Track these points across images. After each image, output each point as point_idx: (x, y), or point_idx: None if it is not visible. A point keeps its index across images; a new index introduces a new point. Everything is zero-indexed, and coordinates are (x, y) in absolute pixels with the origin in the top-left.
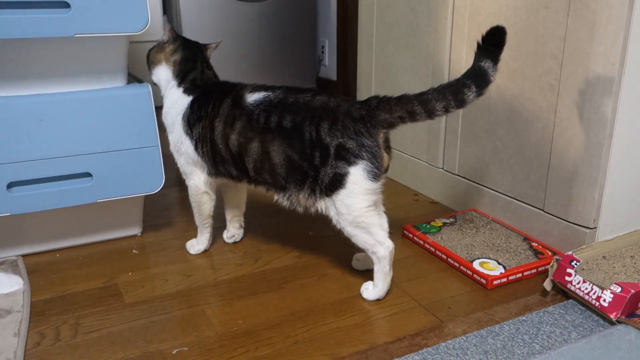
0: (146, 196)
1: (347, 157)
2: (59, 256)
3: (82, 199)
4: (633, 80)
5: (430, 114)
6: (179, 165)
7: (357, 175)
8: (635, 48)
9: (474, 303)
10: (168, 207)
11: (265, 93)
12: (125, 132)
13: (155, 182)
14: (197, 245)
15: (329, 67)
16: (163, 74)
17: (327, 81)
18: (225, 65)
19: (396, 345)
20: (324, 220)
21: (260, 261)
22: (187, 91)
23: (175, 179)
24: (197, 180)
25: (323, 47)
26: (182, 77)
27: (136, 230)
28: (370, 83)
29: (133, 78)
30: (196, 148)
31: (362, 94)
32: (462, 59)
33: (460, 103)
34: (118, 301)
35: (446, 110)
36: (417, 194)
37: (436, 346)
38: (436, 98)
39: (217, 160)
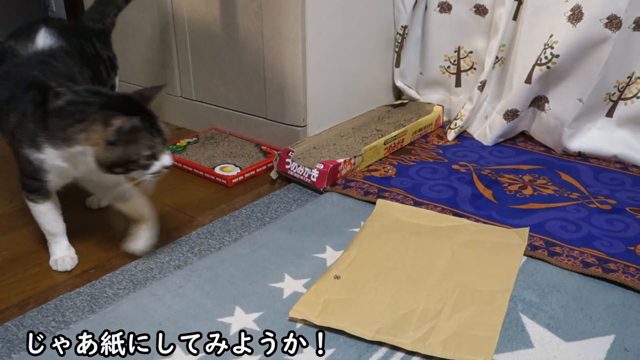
0: None
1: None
2: None
3: None
4: (313, 2)
5: None
6: None
7: None
8: None
9: (218, 199)
10: None
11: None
12: None
13: None
14: None
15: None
16: None
17: None
18: None
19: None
20: None
21: (15, 201)
22: None
23: None
24: None
25: None
26: None
27: None
28: None
29: None
30: None
31: None
32: None
33: None
34: None
35: None
36: (166, 124)
37: (188, 235)
38: None
39: None
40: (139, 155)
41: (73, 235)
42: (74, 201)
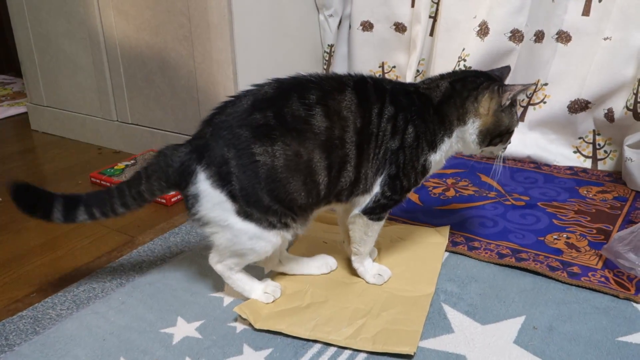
0: None
1: None
2: None
3: None
4: (241, 26)
5: None
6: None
7: None
8: (237, 1)
9: (158, 218)
10: None
11: None
12: None
13: None
14: None
15: None
16: None
17: None
18: None
19: (96, 262)
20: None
21: None
22: None
23: None
24: None
25: None
26: None
27: None
28: (32, 53)
29: None
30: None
31: (27, 66)
32: (112, 22)
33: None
34: None
35: None
36: (101, 148)
37: (129, 254)
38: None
39: None
40: (514, 126)
41: (11, 261)
42: (9, 227)
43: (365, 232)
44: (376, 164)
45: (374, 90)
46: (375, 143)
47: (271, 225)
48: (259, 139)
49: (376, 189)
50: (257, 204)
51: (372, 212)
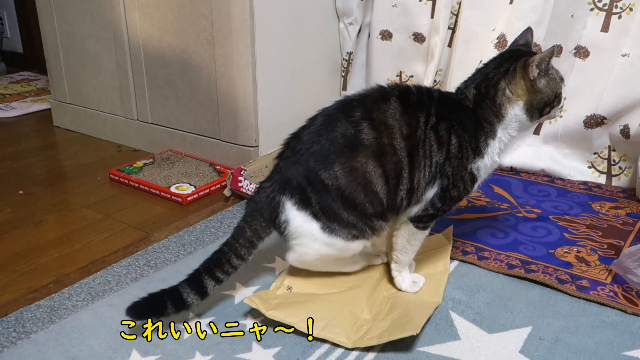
0: None
1: None
2: None
3: None
4: (261, 31)
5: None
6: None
7: None
8: (259, 7)
9: (173, 216)
10: None
11: None
12: None
13: None
14: None
15: (13, 39)
16: None
17: (13, 54)
18: None
19: (112, 256)
20: (32, 179)
21: None
22: None
23: None
24: None
25: (1, 18)
26: None
27: None
28: (58, 52)
29: None
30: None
31: (52, 64)
32: (137, 23)
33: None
34: None
35: None
36: (120, 146)
37: (144, 249)
38: None
39: None
40: (559, 89)
41: (30, 252)
42: (29, 219)
43: (408, 240)
44: (429, 175)
45: (417, 99)
46: (424, 151)
47: (354, 237)
48: (322, 165)
49: (426, 199)
50: (338, 220)
51: (419, 221)
